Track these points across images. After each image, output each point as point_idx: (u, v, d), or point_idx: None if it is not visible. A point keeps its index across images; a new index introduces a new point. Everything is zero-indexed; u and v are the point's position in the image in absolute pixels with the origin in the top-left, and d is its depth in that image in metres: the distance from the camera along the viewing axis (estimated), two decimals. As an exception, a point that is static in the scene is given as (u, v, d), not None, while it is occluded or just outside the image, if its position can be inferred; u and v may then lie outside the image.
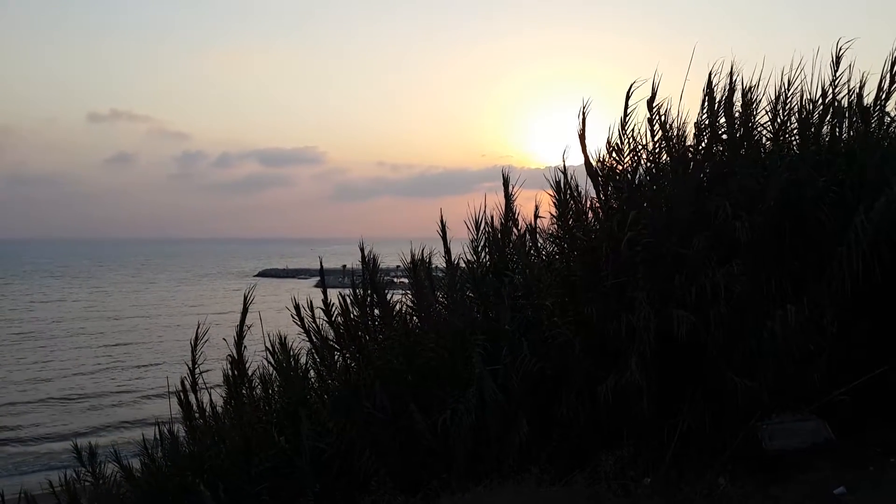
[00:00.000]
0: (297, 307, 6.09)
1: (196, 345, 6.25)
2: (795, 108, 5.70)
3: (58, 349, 40.27)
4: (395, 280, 6.77)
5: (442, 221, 6.24)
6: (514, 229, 6.27)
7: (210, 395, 6.41)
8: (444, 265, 6.23)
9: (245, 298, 6.21)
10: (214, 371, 6.41)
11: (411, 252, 6.08)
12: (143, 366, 34.37)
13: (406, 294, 6.14)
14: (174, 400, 6.43)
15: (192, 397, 6.35)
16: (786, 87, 5.66)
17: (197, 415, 6.33)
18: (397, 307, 6.07)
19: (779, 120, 5.69)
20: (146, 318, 53.48)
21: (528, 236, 6.26)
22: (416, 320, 6.02)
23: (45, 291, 77.81)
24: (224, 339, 6.23)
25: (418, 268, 6.04)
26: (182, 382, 6.37)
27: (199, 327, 6.25)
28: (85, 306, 63.64)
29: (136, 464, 6.39)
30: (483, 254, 6.16)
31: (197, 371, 6.29)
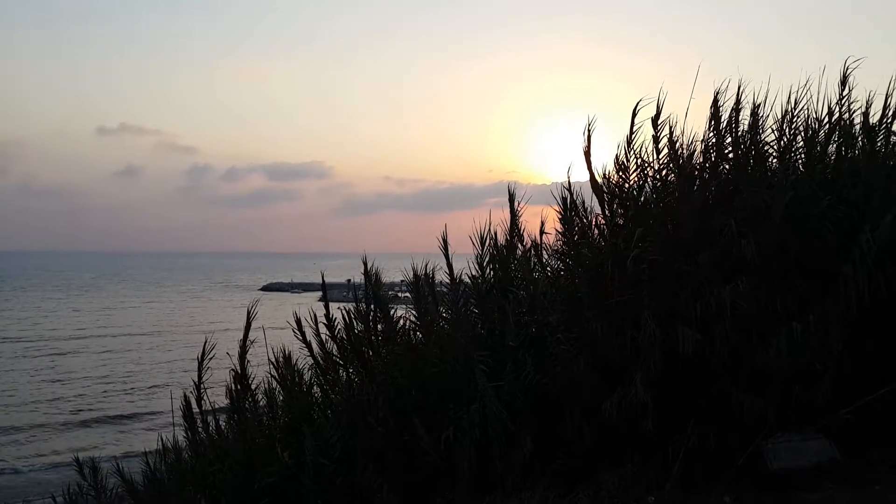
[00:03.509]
0: (298, 322, 6.10)
1: (202, 360, 6.25)
2: (801, 127, 5.71)
3: (65, 368, 40.33)
4: (400, 295, 6.78)
5: (444, 237, 6.23)
6: (519, 245, 6.27)
7: (214, 409, 6.41)
8: (448, 280, 6.23)
9: (248, 313, 6.21)
10: (218, 386, 6.42)
11: (413, 267, 6.08)
12: (151, 386, 34.42)
13: (410, 309, 6.14)
14: (178, 414, 6.43)
15: (195, 412, 6.35)
16: (792, 105, 5.67)
17: (200, 429, 6.33)
18: (401, 322, 6.07)
19: (785, 138, 5.70)
20: (152, 336, 53.61)
21: (533, 252, 6.26)
22: (420, 335, 6.02)
23: (51, 306, 78.06)
24: (228, 354, 6.23)
25: (421, 283, 6.04)
26: (185, 397, 6.37)
27: (206, 343, 6.25)
28: (94, 320, 63.87)
29: (139, 478, 6.38)
30: (487, 269, 6.16)
31: (203, 387, 6.29)
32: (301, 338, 6.12)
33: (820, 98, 5.69)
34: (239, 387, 6.19)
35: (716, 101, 5.61)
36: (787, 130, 5.70)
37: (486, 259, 6.15)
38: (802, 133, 5.70)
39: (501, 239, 6.22)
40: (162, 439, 6.49)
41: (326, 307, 6.13)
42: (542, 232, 6.24)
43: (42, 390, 34.08)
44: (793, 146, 5.72)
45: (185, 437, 6.41)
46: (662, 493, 4.55)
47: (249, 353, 6.28)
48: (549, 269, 6.19)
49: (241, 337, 6.20)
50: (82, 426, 28.04)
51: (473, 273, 6.14)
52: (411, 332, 6.04)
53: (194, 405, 6.35)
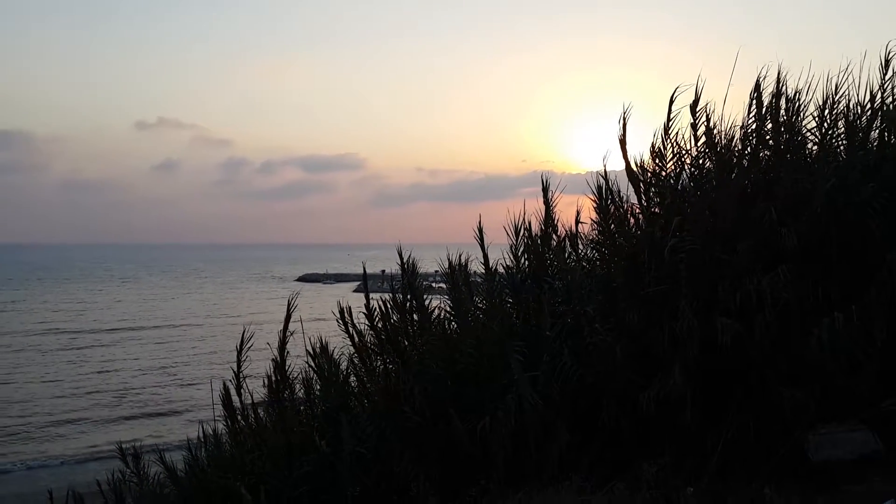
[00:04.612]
0: (341, 312, 6.14)
1: (241, 351, 6.33)
2: (843, 113, 5.59)
3: (108, 359, 41.06)
4: (434, 285, 6.80)
5: (480, 227, 6.24)
6: (554, 235, 6.24)
7: (252, 398, 6.49)
8: (483, 270, 6.23)
9: (288, 304, 6.28)
10: (258, 376, 6.50)
11: (448, 258, 6.09)
12: (193, 377, 34.91)
13: (444, 299, 6.15)
14: (218, 404, 6.53)
15: (235, 400, 6.43)
16: (833, 91, 5.55)
17: (240, 418, 6.42)
18: (436, 312, 6.09)
19: (826, 125, 5.58)
20: (193, 327, 54.41)
21: (568, 242, 6.23)
22: (455, 325, 6.03)
23: (94, 297, 79.57)
24: (268, 344, 6.31)
25: (456, 273, 6.04)
26: (224, 387, 6.47)
27: (244, 334, 6.33)
28: (136, 311, 65.00)
29: (179, 464, 6.51)
30: (522, 259, 6.14)
31: (242, 377, 6.38)
32: (345, 328, 6.17)
33: (861, 83, 5.57)
34: (278, 377, 6.26)
35: (757, 86, 5.51)
36: (828, 116, 5.58)
37: (521, 249, 6.13)
38: (844, 119, 5.58)
39: (536, 229, 6.20)
40: (203, 428, 6.60)
41: (367, 297, 6.17)
42: (577, 221, 6.20)
43: (85, 382, 34.77)
44: (834, 132, 5.60)
45: (225, 426, 6.50)
46: (701, 484, 4.50)
47: (287, 343, 6.35)
48: (584, 258, 6.15)
49: (281, 328, 6.26)
50: (125, 417, 28.58)
51: (508, 263, 6.13)
52: (446, 322, 6.06)
53: (234, 395, 6.44)
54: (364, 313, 6.10)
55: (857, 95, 5.58)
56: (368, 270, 6.88)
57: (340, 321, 6.16)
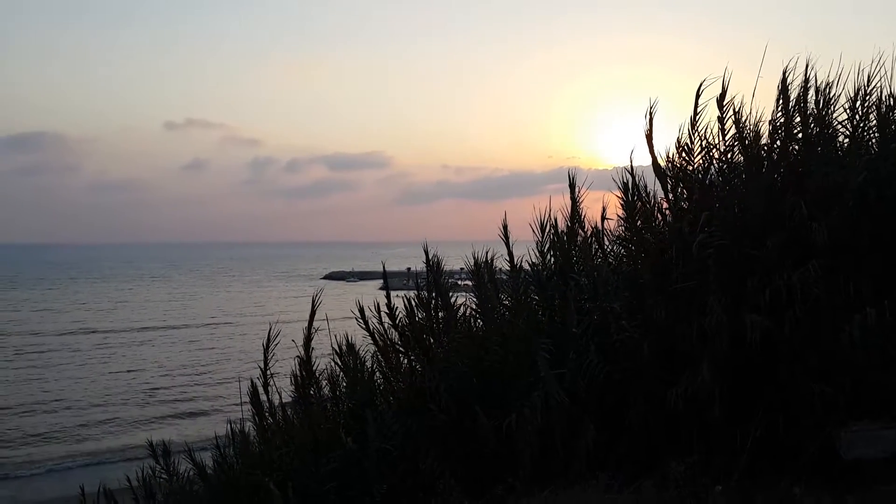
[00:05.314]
0: (361, 310, 6.16)
1: (268, 348, 6.38)
2: (875, 105, 5.48)
3: (138, 359, 41.61)
4: (459, 282, 6.79)
5: (505, 224, 6.22)
6: (580, 231, 6.20)
7: (280, 395, 6.54)
8: (508, 268, 6.21)
9: (313, 302, 6.30)
10: (285, 375, 6.55)
11: (474, 255, 6.08)
12: (222, 375, 35.31)
13: (469, 296, 6.14)
14: (246, 401, 6.58)
15: (262, 397, 6.48)
16: (864, 83, 5.44)
17: (268, 415, 6.47)
18: (461, 310, 6.08)
19: (857, 117, 5.48)
20: (221, 326, 54.97)
21: (594, 238, 6.18)
22: (481, 323, 6.02)
23: (125, 296, 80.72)
24: (293, 342, 6.35)
25: (481, 270, 6.03)
26: (252, 384, 6.52)
27: (270, 331, 6.38)
28: (165, 310, 65.84)
29: (208, 462, 6.57)
30: (548, 256, 6.11)
31: (269, 373, 6.43)
32: (364, 326, 6.19)
33: (894, 74, 5.46)
34: (304, 373, 6.30)
35: (784, 79, 5.42)
36: (859, 108, 5.47)
37: (547, 246, 6.10)
38: (876, 111, 5.48)
39: (562, 225, 6.16)
40: (230, 426, 6.66)
41: (388, 296, 6.18)
42: (603, 217, 6.15)
43: (116, 381, 35.35)
44: (866, 125, 5.50)
45: (252, 423, 6.56)
46: (730, 483, 4.45)
47: (313, 341, 6.38)
48: (610, 255, 6.11)
49: (306, 325, 6.30)
50: (155, 417, 29.02)
51: (534, 260, 6.11)
52: (472, 320, 6.05)
53: (261, 392, 6.49)
54: (386, 312, 6.11)
55: (890, 87, 5.47)
56: (394, 268, 6.93)
57: (360, 320, 6.18)
